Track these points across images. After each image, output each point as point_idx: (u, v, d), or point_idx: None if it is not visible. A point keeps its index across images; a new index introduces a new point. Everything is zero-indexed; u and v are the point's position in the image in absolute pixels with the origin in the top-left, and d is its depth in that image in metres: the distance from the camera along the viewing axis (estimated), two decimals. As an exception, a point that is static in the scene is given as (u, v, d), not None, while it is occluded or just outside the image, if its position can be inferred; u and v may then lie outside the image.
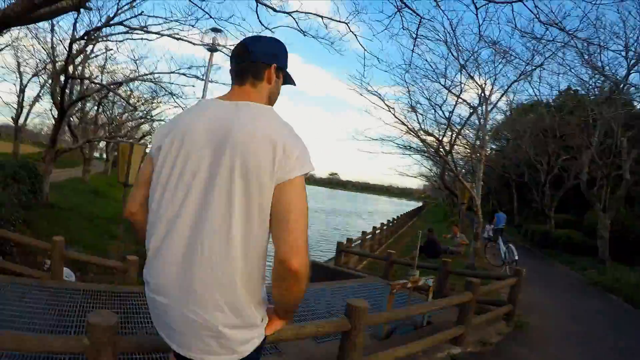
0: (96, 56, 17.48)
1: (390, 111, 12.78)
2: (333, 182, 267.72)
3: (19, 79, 23.46)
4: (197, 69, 14.11)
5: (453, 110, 12.95)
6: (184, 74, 13.81)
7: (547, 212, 22.06)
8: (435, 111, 14.26)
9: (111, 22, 10.75)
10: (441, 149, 13.68)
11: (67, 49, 11.11)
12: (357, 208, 74.42)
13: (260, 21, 8.66)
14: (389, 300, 5.09)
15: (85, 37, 11.33)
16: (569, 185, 21.71)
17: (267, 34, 13.11)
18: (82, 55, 14.80)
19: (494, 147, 31.97)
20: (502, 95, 12.81)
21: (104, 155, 43.07)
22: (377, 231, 19.27)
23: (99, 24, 11.28)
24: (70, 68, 15.04)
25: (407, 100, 15.02)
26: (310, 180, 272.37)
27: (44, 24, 14.50)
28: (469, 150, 18.02)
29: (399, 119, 13.12)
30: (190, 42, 10.20)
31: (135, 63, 17.28)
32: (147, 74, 14.97)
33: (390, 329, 5.44)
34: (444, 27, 11.29)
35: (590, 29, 10.29)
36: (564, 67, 12.99)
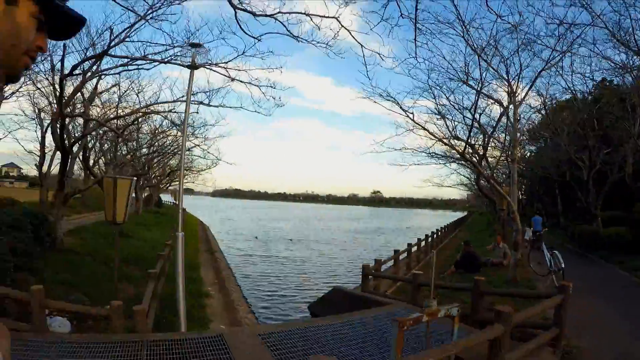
0: (102, 92, 17.25)
1: (408, 116, 11.75)
2: (376, 201, 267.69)
3: (39, 126, 23.74)
4: (205, 93, 13.72)
5: (475, 105, 11.74)
6: (184, 101, 13.42)
7: (593, 210, 20.35)
8: (462, 114, 13.16)
9: (90, 56, 10.47)
10: (469, 153, 12.55)
11: (58, 88, 10.76)
12: (401, 225, 72.39)
13: (241, 28, 7.93)
14: (397, 340, 4.11)
15: (75, 74, 11.02)
16: (614, 179, 20.11)
17: (256, 44, 12.54)
18: (83, 93, 14.65)
19: (532, 148, 30.62)
20: (530, 87, 11.59)
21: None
22: (414, 248, 17.95)
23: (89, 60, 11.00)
24: (79, 106, 14.89)
25: (428, 107, 13.96)
26: (354, 200, 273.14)
27: (42, 66, 14.34)
28: (504, 154, 16.79)
29: (418, 124, 12.07)
30: (169, 62, 9.93)
31: (137, 95, 17.33)
32: (146, 106, 14.68)
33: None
34: (458, 18, 10.23)
35: (620, 4, 9.20)
36: (595, 53, 11.76)
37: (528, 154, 30.83)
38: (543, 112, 20.47)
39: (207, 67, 9.62)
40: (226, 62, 9.81)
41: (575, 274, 12.41)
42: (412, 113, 11.77)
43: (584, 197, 21.58)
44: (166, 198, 59.36)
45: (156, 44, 10.63)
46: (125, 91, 17.34)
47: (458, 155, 15.89)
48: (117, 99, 17.90)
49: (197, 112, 26.77)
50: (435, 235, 24.53)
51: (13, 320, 6.12)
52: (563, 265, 10.85)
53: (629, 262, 14.04)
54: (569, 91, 17.49)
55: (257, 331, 6.33)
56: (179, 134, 22.60)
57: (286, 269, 22.07)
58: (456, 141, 13.43)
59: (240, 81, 10.08)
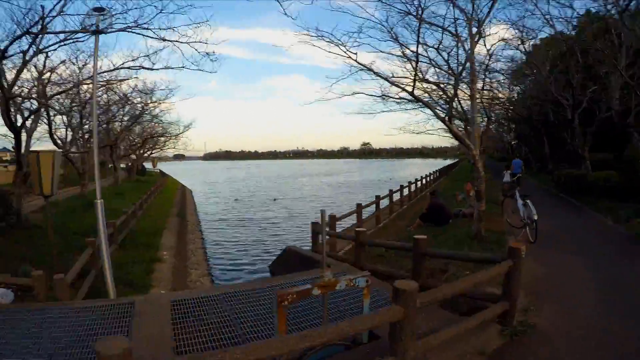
0: (54, 69, 16.70)
1: (350, 57, 10.63)
2: (367, 152, 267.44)
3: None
4: (145, 57, 13.02)
5: (418, 36, 10.40)
6: (128, 68, 12.82)
7: (581, 152, 19.45)
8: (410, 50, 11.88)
9: (16, 37, 10.23)
10: (420, 90, 11.50)
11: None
12: (388, 176, 71.27)
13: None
14: (279, 316, 3.44)
15: (8, 55, 10.84)
16: (601, 118, 19.01)
17: None
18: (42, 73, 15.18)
19: (518, 89, 29.45)
20: (488, 13, 10.21)
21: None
22: (383, 199, 17.12)
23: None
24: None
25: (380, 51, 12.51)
26: (344, 153, 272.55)
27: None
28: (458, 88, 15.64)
29: (361, 64, 10.85)
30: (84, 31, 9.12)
31: (80, 70, 17.45)
32: (87, 78, 14.24)
33: (299, 354, 3.76)
34: None
35: None
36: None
37: (516, 96, 29.61)
38: (522, 48, 19.20)
39: (128, 30, 8.88)
40: (146, 22, 9.14)
41: (553, 225, 11.47)
42: (356, 53, 10.62)
43: (571, 138, 20.71)
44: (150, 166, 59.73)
45: (66, 13, 9.80)
46: (84, 64, 17.64)
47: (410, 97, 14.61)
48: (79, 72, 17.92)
49: (137, 77, 26.60)
50: (412, 186, 23.64)
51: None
52: (536, 217, 9.66)
53: (617, 210, 12.65)
54: (549, 24, 16.09)
55: (173, 297, 6.07)
56: (148, 102, 22.41)
57: (258, 231, 21.62)
58: (407, 80, 12.02)
59: (169, 40, 9.40)
